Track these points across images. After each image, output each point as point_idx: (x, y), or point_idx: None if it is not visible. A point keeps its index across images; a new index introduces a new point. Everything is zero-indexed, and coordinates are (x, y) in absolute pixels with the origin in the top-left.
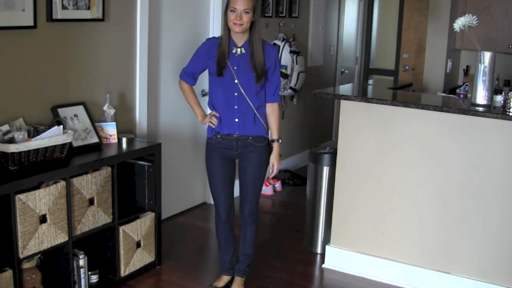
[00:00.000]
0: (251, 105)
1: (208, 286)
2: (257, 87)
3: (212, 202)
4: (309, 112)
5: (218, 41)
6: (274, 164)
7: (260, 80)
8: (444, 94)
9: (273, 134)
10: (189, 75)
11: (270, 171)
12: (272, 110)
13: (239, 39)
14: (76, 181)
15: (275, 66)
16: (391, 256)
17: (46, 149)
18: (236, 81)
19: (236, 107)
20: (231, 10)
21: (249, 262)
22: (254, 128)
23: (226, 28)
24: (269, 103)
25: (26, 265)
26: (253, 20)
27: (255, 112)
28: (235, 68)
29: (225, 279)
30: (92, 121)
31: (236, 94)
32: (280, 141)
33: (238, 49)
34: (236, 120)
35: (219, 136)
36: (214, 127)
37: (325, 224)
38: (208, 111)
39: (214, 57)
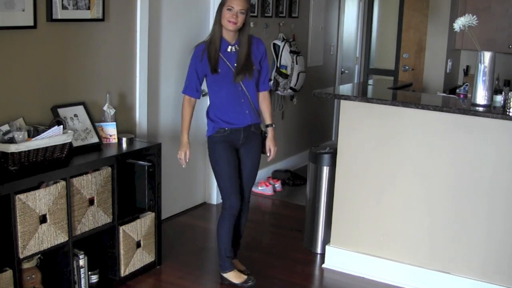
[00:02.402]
0: (249, 97)
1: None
2: (252, 80)
3: (213, 202)
4: (309, 112)
5: (205, 45)
6: (271, 147)
7: (253, 74)
8: (444, 94)
9: (267, 119)
10: (192, 89)
11: (268, 154)
12: (264, 98)
13: (231, 38)
14: (76, 181)
15: (263, 56)
16: (391, 256)
17: (46, 149)
18: None
19: (242, 100)
20: (228, 9)
21: None
22: (256, 116)
23: (218, 26)
24: (261, 91)
25: (26, 265)
26: (244, 22)
27: (251, 102)
28: (235, 64)
29: (237, 272)
30: (92, 121)
31: (240, 88)
32: (274, 125)
33: (232, 47)
34: (247, 111)
35: (227, 129)
36: (182, 165)
37: (325, 224)
38: (202, 116)
39: (206, 59)
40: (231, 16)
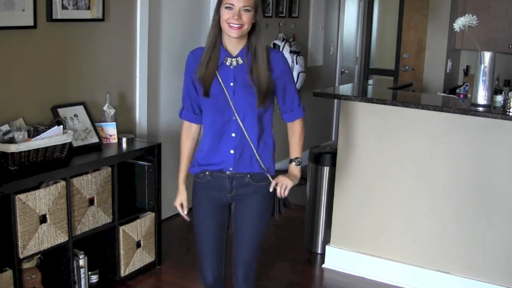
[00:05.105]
0: (246, 132)
1: None
2: (259, 110)
3: None
4: (309, 112)
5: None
6: (280, 181)
7: (264, 102)
8: (444, 94)
9: (292, 152)
10: (188, 110)
11: (271, 190)
12: (293, 131)
13: (234, 46)
14: (76, 181)
15: (287, 76)
16: (391, 256)
17: (46, 149)
18: (231, 101)
19: (233, 134)
20: (226, 7)
21: None
22: (250, 164)
23: (217, 31)
24: (290, 122)
25: (26, 265)
26: (254, 22)
27: (250, 142)
28: (231, 84)
29: None
30: (92, 121)
31: (234, 118)
32: (299, 161)
33: (233, 60)
34: (232, 151)
35: (207, 173)
36: (183, 215)
37: (325, 224)
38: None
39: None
40: (232, 17)
